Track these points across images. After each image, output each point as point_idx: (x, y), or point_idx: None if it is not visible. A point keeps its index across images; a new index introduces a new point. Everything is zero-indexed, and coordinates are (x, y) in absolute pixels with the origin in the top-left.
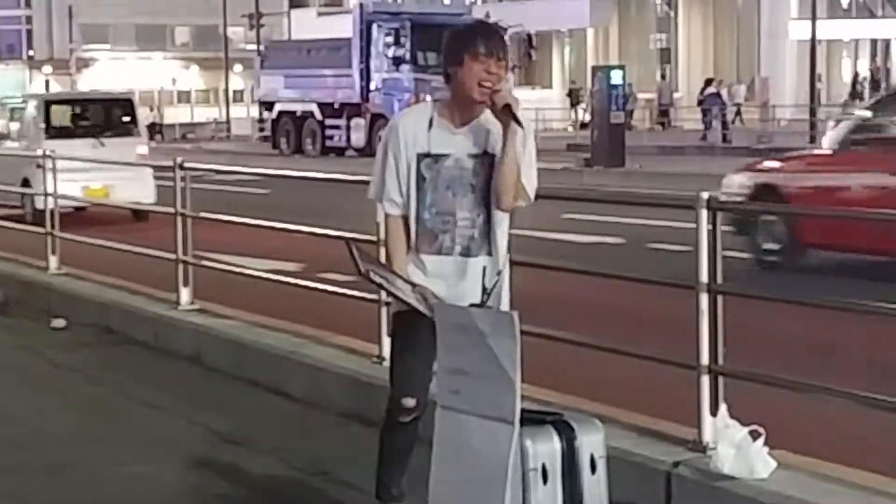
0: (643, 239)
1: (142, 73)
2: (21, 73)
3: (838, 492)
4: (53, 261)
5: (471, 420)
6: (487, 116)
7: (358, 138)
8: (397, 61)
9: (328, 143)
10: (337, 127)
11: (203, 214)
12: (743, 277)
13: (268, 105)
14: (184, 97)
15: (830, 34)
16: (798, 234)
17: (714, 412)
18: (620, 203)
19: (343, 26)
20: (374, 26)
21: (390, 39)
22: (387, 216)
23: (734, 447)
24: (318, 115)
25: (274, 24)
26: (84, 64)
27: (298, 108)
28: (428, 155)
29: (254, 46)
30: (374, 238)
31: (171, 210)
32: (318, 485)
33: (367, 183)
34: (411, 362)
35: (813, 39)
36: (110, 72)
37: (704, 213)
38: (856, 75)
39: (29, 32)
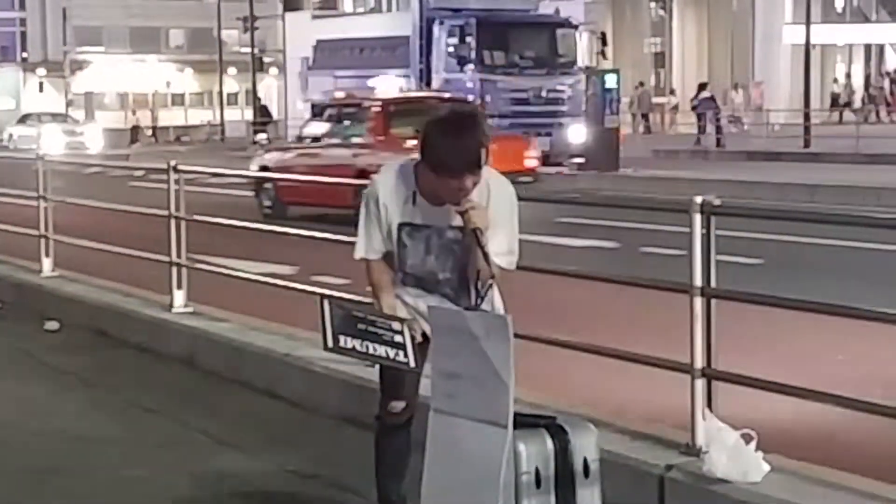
0: (637, 242)
1: (136, 76)
2: (15, 75)
3: (831, 495)
4: (47, 263)
5: (464, 423)
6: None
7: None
8: (461, 61)
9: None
10: None
11: (196, 217)
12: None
13: (317, 109)
14: (178, 100)
15: (824, 39)
16: (280, 196)
17: (707, 416)
18: (614, 207)
19: (336, 28)
20: (436, 23)
21: (454, 37)
22: (368, 261)
23: (727, 451)
24: None
25: (268, 27)
26: (78, 66)
27: None
28: (409, 224)
29: (248, 49)
30: None
31: (165, 213)
32: (312, 488)
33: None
34: (398, 376)
35: (807, 44)
36: (104, 74)
37: (698, 217)
38: (868, 78)
39: (23, 34)
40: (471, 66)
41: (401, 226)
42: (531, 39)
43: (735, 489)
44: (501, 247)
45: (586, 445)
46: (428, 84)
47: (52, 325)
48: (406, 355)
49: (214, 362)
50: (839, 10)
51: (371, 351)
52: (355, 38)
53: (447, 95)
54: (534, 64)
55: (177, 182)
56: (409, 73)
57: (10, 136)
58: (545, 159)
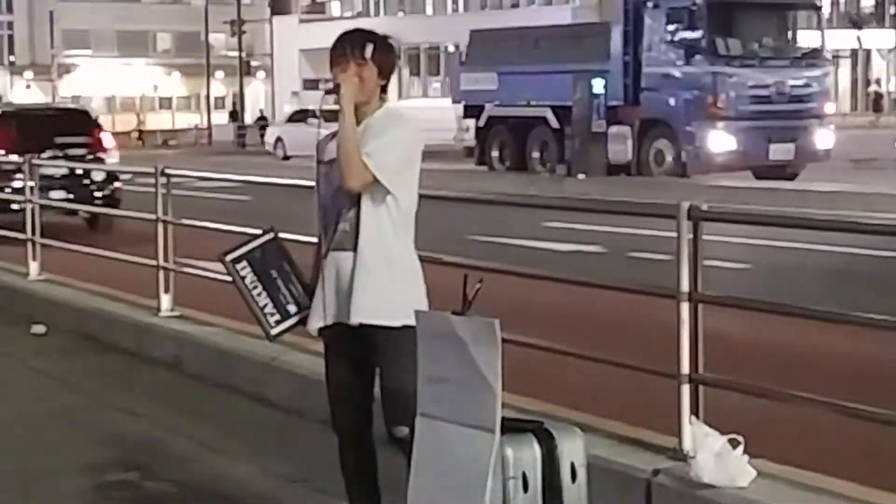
0: (624, 247)
1: (123, 79)
2: (2, 78)
3: (817, 501)
4: (34, 267)
5: (451, 428)
6: (371, 119)
7: (619, 152)
8: (689, 51)
9: (568, 157)
10: None
11: (184, 221)
12: None
13: (472, 110)
14: (165, 103)
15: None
16: None
17: (694, 421)
18: (601, 212)
19: (326, 32)
20: (648, 7)
21: (677, 23)
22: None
23: (714, 456)
24: (554, 122)
25: (255, 31)
26: (65, 70)
27: (522, 112)
28: (323, 162)
29: (235, 53)
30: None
31: (152, 216)
32: (298, 492)
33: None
34: (337, 386)
35: None
36: (92, 77)
37: (685, 223)
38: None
39: (10, 38)
40: (700, 56)
41: (320, 166)
42: (770, 24)
43: (722, 494)
44: (369, 147)
45: (573, 450)
46: (636, 79)
47: (39, 328)
48: (278, 323)
49: (201, 366)
50: (826, 15)
51: (254, 293)
52: (525, 28)
53: None
54: (774, 53)
55: (164, 186)
56: (607, 68)
57: (278, 139)
58: (782, 170)
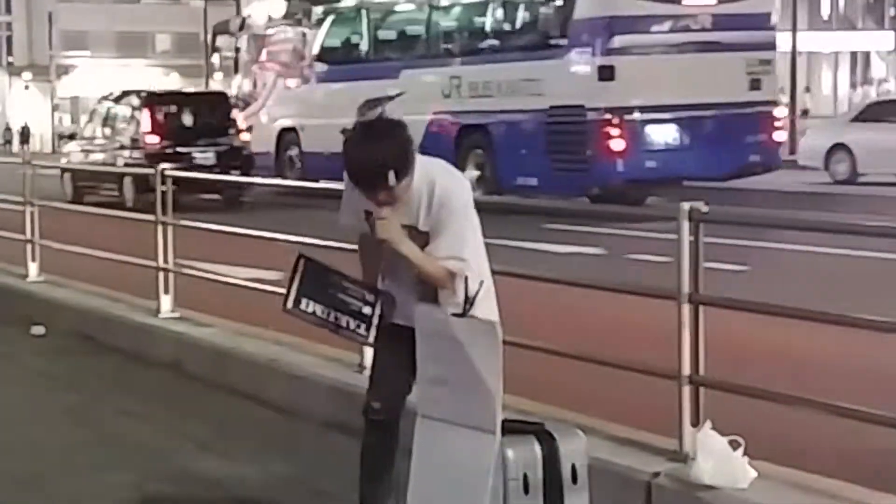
0: (623, 249)
1: (122, 80)
2: (0, 79)
3: (817, 502)
4: (33, 268)
5: (451, 429)
6: (415, 187)
7: None
8: None
9: None
10: None
11: (184, 223)
12: None
13: None
14: None
15: (810, 46)
16: None
17: (695, 422)
18: (602, 216)
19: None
20: None
21: None
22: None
23: (714, 457)
24: None
25: None
26: (64, 70)
27: None
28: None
29: (234, 54)
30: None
31: (152, 218)
32: (297, 494)
33: None
34: (381, 367)
35: (793, 51)
36: (90, 78)
37: (686, 224)
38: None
39: (9, 38)
40: None
41: (367, 213)
42: None
43: (722, 495)
44: (442, 251)
45: (574, 452)
46: None
47: (38, 329)
48: (367, 329)
49: (200, 367)
50: (825, 17)
51: (332, 319)
52: None
53: None
54: None
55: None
56: None
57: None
58: None
